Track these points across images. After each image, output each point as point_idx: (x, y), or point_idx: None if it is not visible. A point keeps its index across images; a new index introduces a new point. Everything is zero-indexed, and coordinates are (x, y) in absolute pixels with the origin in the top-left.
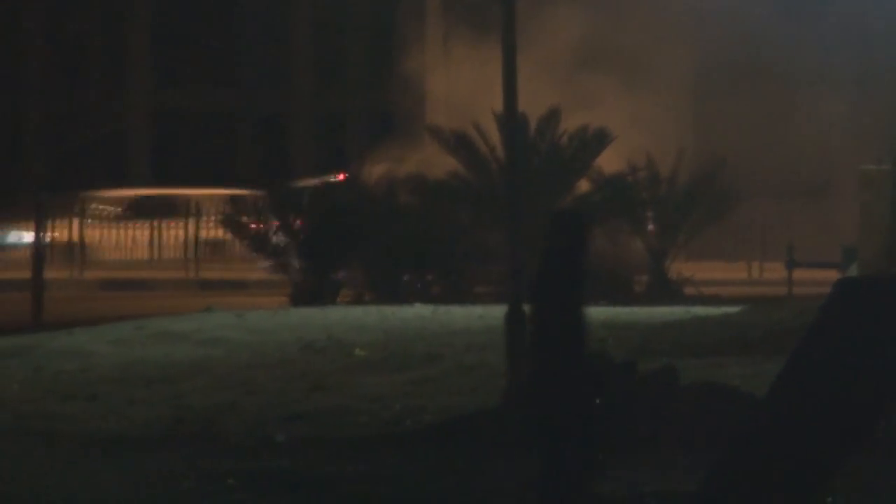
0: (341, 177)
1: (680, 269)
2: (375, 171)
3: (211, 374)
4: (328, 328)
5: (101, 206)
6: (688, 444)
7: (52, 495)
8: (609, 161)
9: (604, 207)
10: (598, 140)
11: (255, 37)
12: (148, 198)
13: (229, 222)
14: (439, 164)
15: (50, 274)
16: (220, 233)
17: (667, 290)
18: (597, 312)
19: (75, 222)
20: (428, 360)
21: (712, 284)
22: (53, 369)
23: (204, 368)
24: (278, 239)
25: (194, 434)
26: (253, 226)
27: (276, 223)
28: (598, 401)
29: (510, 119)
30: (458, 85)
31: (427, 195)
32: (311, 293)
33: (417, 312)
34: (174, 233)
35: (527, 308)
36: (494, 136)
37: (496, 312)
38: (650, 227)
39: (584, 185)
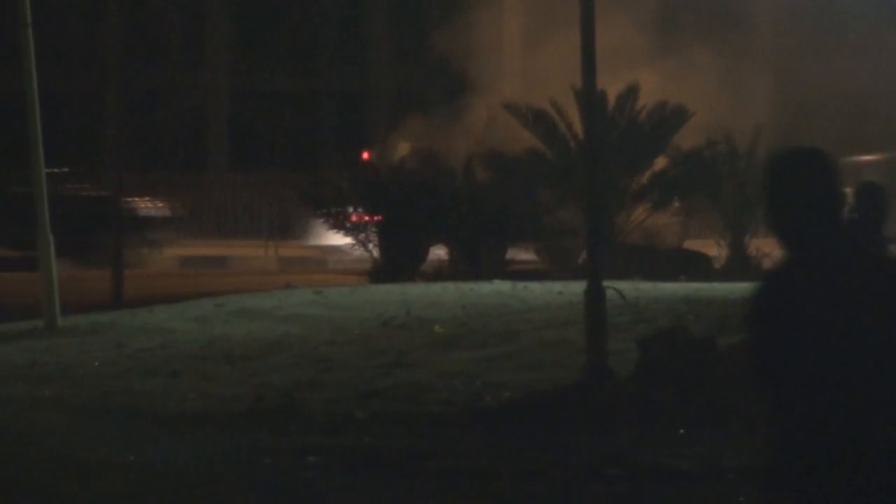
0: (365, 156)
1: (759, 244)
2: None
3: (291, 351)
4: (407, 305)
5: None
6: None
7: (134, 471)
8: (687, 134)
9: (681, 183)
10: (677, 116)
11: (332, 16)
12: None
13: (310, 200)
14: (517, 140)
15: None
16: (301, 210)
17: (746, 265)
18: (676, 288)
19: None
20: (507, 336)
21: None
22: (135, 347)
23: (284, 345)
24: (359, 217)
25: (275, 411)
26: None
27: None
28: None
29: (588, 94)
30: (536, 60)
31: (505, 171)
32: (390, 270)
33: (496, 288)
34: (254, 210)
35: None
36: (573, 111)
37: (575, 288)
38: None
39: (661, 161)
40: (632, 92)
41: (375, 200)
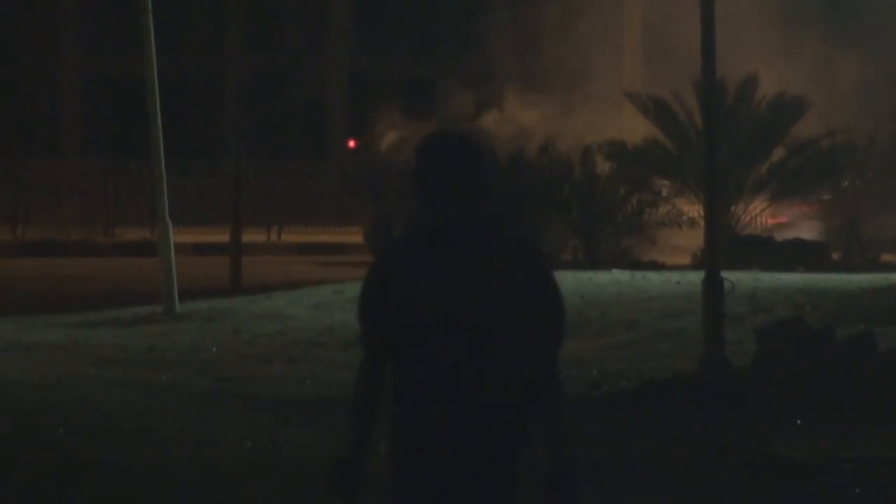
0: (352, 144)
1: (877, 235)
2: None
3: None
4: None
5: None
6: (887, 411)
7: (251, 457)
8: (806, 125)
9: (800, 173)
10: (796, 106)
11: (452, 3)
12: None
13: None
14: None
15: (247, 237)
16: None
17: (864, 257)
18: (794, 279)
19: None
20: (625, 325)
21: None
22: (252, 333)
23: None
24: None
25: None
26: None
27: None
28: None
29: (708, 84)
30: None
31: (623, 161)
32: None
33: (614, 278)
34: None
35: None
36: (692, 102)
37: (693, 278)
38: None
39: (779, 152)
40: (751, 82)
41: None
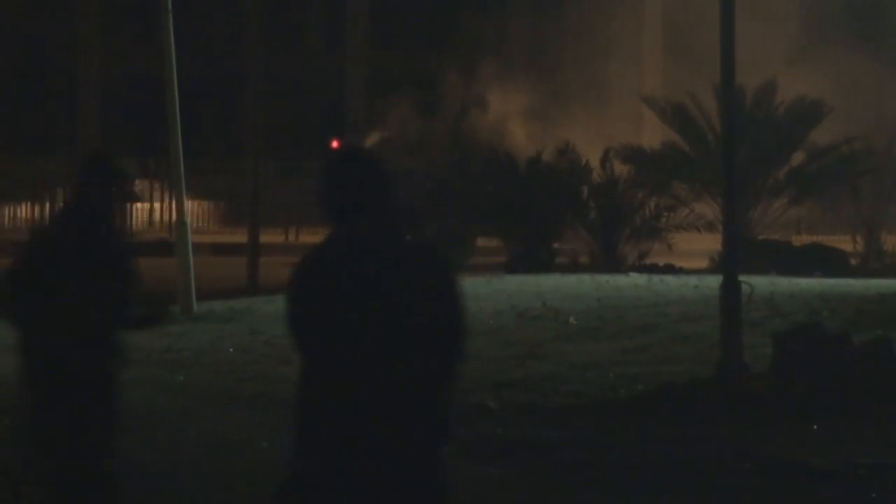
0: (335, 144)
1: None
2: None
3: None
4: (542, 296)
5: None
6: None
7: (266, 457)
8: (824, 131)
9: (819, 179)
10: (814, 112)
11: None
12: None
13: None
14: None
15: (266, 238)
16: None
17: (882, 262)
18: (811, 284)
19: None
20: (642, 329)
21: None
22: (270, 333)
23: None
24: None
25: None
26: None
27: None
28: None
29: (727, 89)
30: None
31: (642, 165)
32: (526, 261)
33: (632, 281)
34: None
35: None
36: (711, 106)
37: (711, 282)
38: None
39: (798, 157)
40: (769, 87)
41: (510, 193)
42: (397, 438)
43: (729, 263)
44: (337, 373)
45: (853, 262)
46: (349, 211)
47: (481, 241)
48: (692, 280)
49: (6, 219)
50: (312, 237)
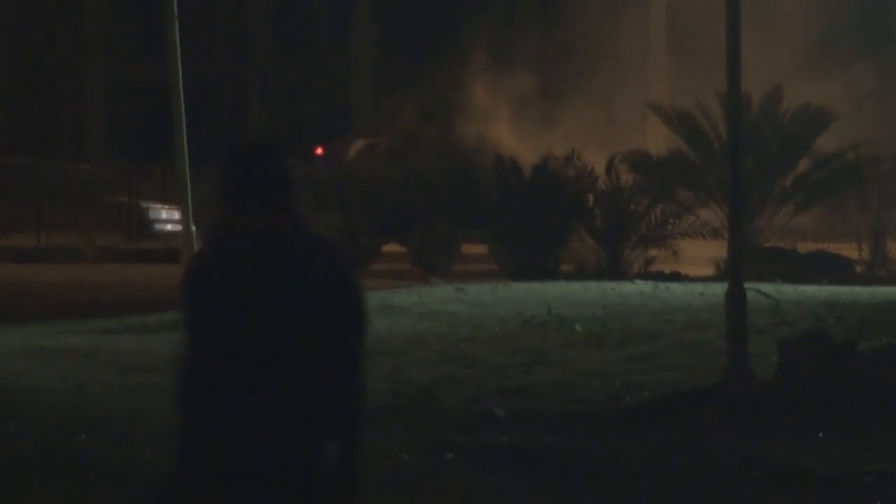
0: (319, 151)
1: None
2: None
3: (431, 348)
4: (548, 303)
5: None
6: None
7: None
8: (830, 138)
9: (825, 186)
10: (820, 119)
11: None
12: None
13: None
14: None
15: None
16: None
17: (887, 269)
18: (817, 291)
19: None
20: (647, 336)
21: None
22: None
23: (424, 341)
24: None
25: (413, 407)
26: None
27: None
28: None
29: (732, 96)
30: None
31: (647, 172)
32: (531, 268)
33: (637, 288)
34: None
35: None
36: (716, 113)
37: (717, 290)
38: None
39: (803, 164)
40: (775, 94)
41: (515, 199)
42: (277, 434)
43: (734, 271)
44: (219, 366)
45: (859, 269)
46: (246, 204)
47: (472, 249)
48: (698, 287)
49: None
50: None
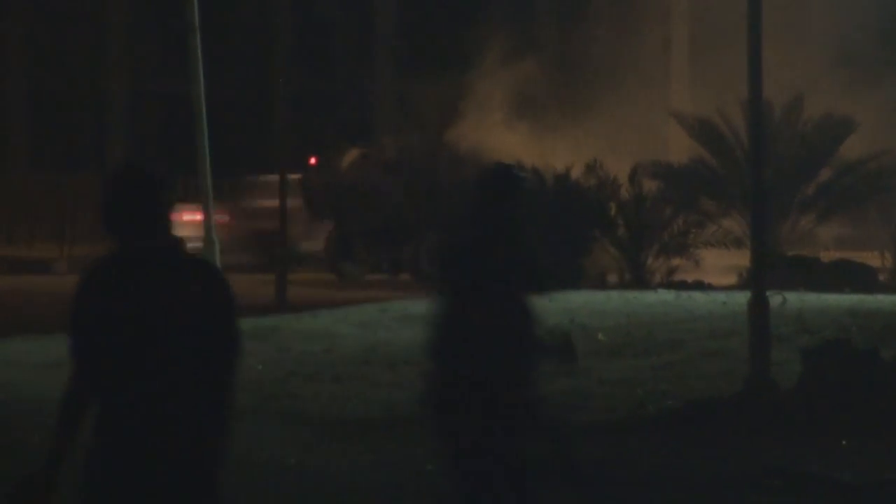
0: (313, 161)
1: None
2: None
3: None
4: (571, 312)
5: None
6: None
7: (296, 475)
8: (853, 146)
9: (847, 194)
10: (842, 127)
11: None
12: None
13: None
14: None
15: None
16: None
17: None
18: (840, 300)
19: None
20: (670, 345)
21: None
22: (297, 350)
23: None
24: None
25: None
26: None
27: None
28: None
29: (754, 104)
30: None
31: (670, 181)
32: (553, 277)
33: (660, 297)
34: None
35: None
36: (738, 121)
37: (740, 299)
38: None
39: (826, 172)
40: (797, 103)
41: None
42: (175, 459)
43: (757, 280)
44: (104, 389)
45: (882, 277)
46: (127, 227)
47: None
48: (720, 296)
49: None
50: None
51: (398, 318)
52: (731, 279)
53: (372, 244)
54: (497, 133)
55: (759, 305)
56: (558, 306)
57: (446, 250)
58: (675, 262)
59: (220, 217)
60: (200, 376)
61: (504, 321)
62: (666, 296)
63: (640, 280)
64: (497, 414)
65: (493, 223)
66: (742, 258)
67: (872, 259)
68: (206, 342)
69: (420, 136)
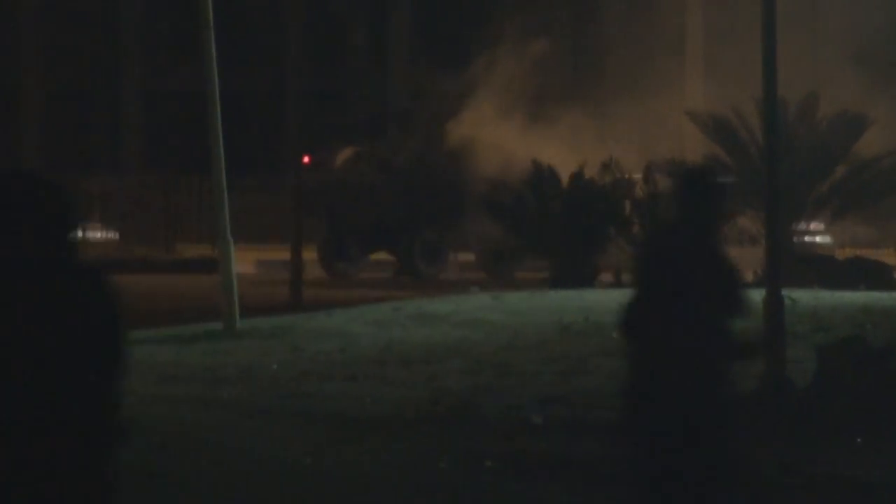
0: (306, 159)
1: None
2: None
3: (468, 356)
4: (586, 311)
5: None
6: None
7: (310, 474)
8: (868, 144)
9: (863, 192)
10: (857, 125)
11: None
12: None
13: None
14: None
15: (308, 254)
16: None
17: None
18: (855, 298)
19: None
20: None
21: None
22: (312, 350)
23: (461, 350)
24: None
25: (451, 415)
26: None
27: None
28: None
29: (769, 101)
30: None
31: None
32: (569, 275)
33: None
34: None
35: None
36: (753, 119)
37: (754, 296)
38: None
39: (840, 170)
40: (812, 100)
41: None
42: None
43: (772, 277)
44: None
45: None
46: (10, 234)
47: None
48: None
49: None
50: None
51: (412, 316)
52: (747, 276)
53: (366, 243)
54: (507, 130)
55: (773, 303)
56: (574, 304)
57: (651, 251)
58: None
59: None
60: (68, 389)
61: (706, 323)
62: None
63: None
64: (700, 414)
65: (695, 226)
66: (757, 255)
67: (888, 256)
68: (79, 354)
69: (425, 132)
